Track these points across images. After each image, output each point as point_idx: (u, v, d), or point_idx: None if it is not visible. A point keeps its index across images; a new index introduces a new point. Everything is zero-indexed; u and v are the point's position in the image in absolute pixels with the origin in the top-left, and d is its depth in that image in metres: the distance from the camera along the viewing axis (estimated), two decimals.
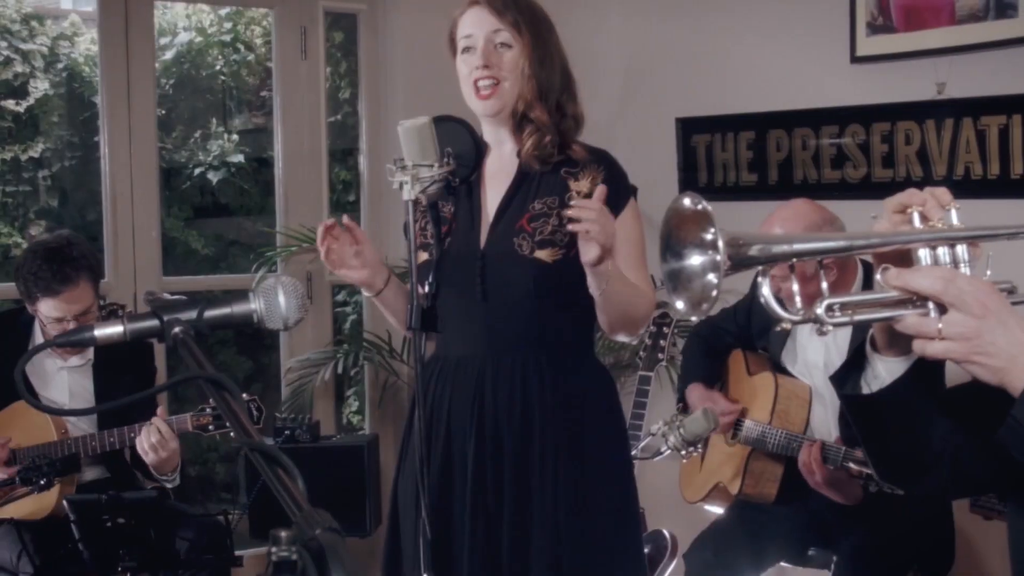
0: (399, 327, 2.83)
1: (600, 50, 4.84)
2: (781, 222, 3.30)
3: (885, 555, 3.33)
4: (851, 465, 3.19)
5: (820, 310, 1.52)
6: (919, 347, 1.52)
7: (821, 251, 1.59)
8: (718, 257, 1.46)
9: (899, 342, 1.61)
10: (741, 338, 3.67)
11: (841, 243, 1.64)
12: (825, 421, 3.44)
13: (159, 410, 3.49)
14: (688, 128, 4.65)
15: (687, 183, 4.66)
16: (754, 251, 1.50)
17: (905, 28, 3.92)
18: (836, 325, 1.53)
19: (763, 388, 3.51)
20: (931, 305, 1.50)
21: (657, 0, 4.75)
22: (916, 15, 3.89)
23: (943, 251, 1.55)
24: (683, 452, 3.61)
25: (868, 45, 4.03)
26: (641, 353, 3.90)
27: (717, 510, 3.68)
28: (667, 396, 4.47)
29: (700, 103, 4.61)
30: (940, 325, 1.49)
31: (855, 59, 4.07)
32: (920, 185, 1.65)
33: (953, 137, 3.81)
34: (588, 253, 2.43)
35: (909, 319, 1.52)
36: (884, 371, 1.63)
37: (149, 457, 3.43)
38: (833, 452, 3.25)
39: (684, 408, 3.63)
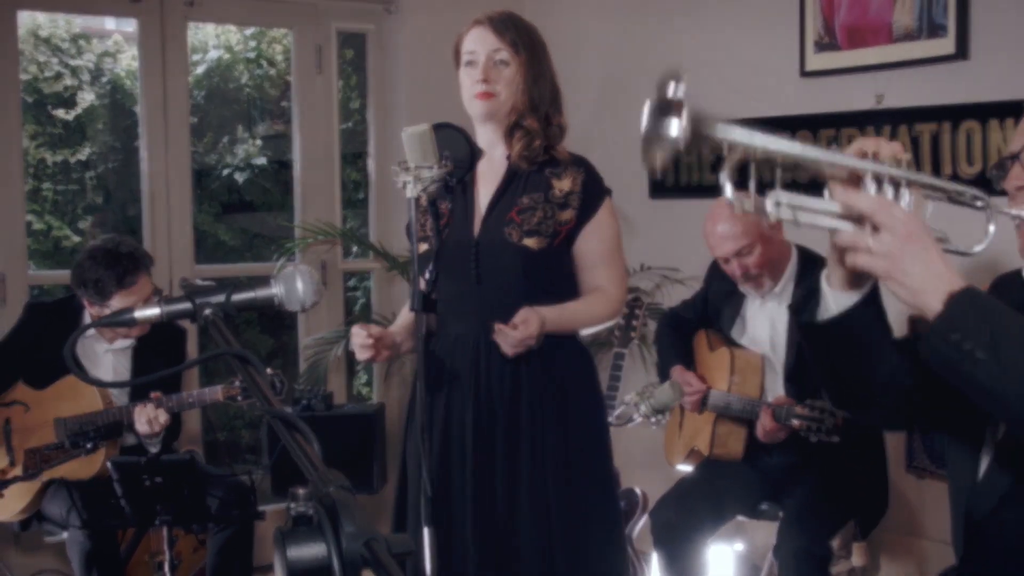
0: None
1: (580, 66, 4.84)
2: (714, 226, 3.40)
3: (825, 507, 3.35)
4: (794, 422, 3.22)
5: (769, 204, 1.50)
6: (850, 259, 1.54)
7: (777, 151, 1.51)
8: (683, 123, 1.36)
9: (847, 281, 1.63)
10: (701, 322, 3.70)
11: (798, 151, 1.54)
12: (775, 383, 3.48)
13: (152, 395, 3.48)
14: None
15: (656, 183, 4.66)
16: (714, 131, 1.42)
17: (848, 46, 3.92)
18: (779, 219, 1.49)
19: (721, 361, 3.52)
20: (867, 225, 1.51)
21: (631, 19, 4.74)
22: (858, 34, 3.89)
23: (889, 190, 1.54)
24: (652, 420, 3.62)
25: (816, 61, 4.02)
26: (616, 332, 3.90)
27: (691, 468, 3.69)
28: (639, 370, 4.48)
29: None
30: (870, 241, 1.50)
31: (804, 73, 4.06)
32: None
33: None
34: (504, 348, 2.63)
35: (845, 233, 1.53)
36: (834, 304, 1.65)
37: (144, 428, 3.44)
38: (778, 411, 3.29)
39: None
